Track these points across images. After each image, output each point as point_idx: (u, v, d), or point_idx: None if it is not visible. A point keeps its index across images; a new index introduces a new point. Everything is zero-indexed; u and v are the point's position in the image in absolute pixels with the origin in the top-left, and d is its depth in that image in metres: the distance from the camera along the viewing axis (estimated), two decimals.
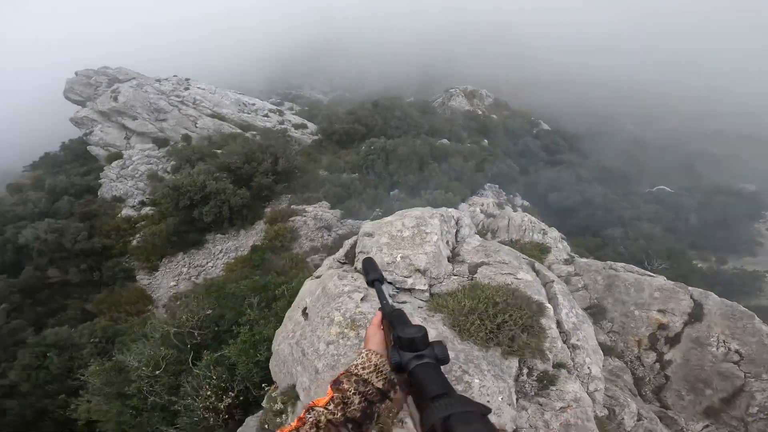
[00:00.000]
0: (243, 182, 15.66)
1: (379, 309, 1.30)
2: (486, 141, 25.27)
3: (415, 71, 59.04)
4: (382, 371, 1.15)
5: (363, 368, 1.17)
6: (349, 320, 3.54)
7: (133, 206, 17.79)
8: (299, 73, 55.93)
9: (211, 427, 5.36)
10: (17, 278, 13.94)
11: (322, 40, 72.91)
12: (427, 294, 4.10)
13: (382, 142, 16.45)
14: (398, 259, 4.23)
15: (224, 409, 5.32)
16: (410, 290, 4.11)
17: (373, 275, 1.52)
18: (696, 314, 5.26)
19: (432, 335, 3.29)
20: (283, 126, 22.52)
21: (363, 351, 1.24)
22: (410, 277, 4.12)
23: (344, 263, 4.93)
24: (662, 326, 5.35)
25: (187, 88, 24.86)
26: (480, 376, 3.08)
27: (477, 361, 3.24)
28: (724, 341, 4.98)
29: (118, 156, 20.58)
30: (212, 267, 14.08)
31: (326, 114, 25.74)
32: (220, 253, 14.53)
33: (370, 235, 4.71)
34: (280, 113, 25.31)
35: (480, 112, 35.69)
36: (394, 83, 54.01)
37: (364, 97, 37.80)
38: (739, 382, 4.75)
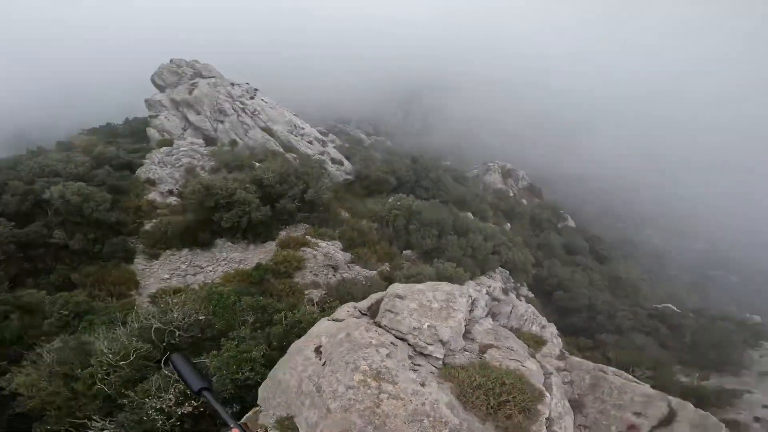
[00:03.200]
0: (269, 200, 16.19)
1: (235, 427, 1.34)
2: (509, 225, 25.50)
3: (459, 137, 60.82)
4: None
5: None
6: (374, 371, 3.89)
7: (161, 192, 18.47)
8: (348, 110, 58.53)
9: (155, 429, 5.29)
10: (22, 229, 13.53)
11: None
12: (441, 362, 4.53)
13: (410, 201, 16.91)
14: (425, 326, 4.74)
15: (178, 416, 5.28)
16: (426, 356, 4.55)
17: (197, 383, 1.41)
18: (668, 420, 5.54)
19: (444, 401, 3.72)
20: (322, 157, 23.48)
21: None
22: (432, 345, 4.59)
23: (365, 314, 5.32)
24: (631, 426, 5.56)
25: (252, 98, 26.51)
26: None
27: None
28: None
29: (168, 143, 21.75)
30: (211, 271, 14.09)
31: (364, 156, 26.73)
32: (224, 261, 14.68)
33: (401, 297, 5.13)
34: (323, 144, 26.46)
35: (512, 194, 36.24)
36: (434, 141, 55.82)
37: (406, 148, 39.18)
38: None
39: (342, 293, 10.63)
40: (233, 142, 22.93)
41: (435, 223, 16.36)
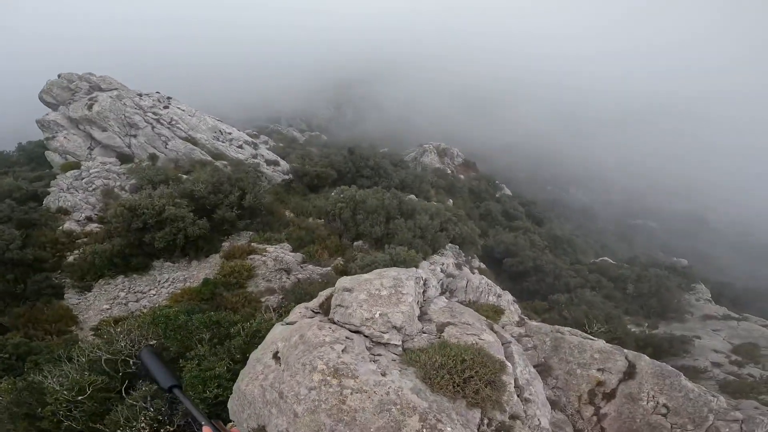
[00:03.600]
0: (204, 212, 15.24)
1: (208, 425, 1.34)
2: (451, 201, 26.25)
3: (394, 123, 61.50)
4: None
5: None
6: (332, 369, 3.81)
7: (78, 221, 16.81)
8: (277, 109, 56.82)
9: None
10: None
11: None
12: (400, 349, 4.50)
13: (353, 192, 16.70)
14: (377, 315, 4.66)
15: None
16: (385, 344, 4.49)
17: (167, 380, 1.39)
18: (630, 373, 5.84)
19: (408, 387, 3.69)
20: (255, 160, 22.46)
21: None
22: (387, 333, 4.54)
23: (318, 313, 5.19)
24: (600, 383, 5.87)
25: (166, 107, 24.50)
26: (451, 425, 3.47)
27: (448, 411, 3.63)
28: (653, 396, 5.55)
29: (75, 166, 19.57)
30: (155, 295, 13.30)
31: (300, 154, 25.98)
32: (167, 282, 13.85)
33: (349, 290, 5.04)
34: (255, 146, 25.32)
35: (449, 171, 37.29)
36: (369, 130, 55.94)
37: (341, 141, 38.77)
38: None
39: (299, 295, 10.30)
40: (153, 157, 21.17)
41: (381, 209, 16.34)
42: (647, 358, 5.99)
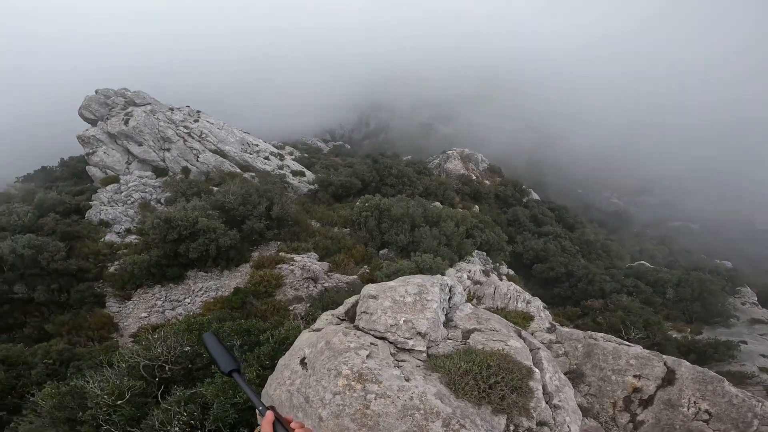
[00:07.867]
0: (235, 223, 15.72)
1: (268, 409, 1.40)
2: (477, 207, 25.91)
3: (415, 128, 61.57)
4: None
5: None
6: (356, 374, 3.83)
7: (118, 232, 17.67)
8: (302, 122, 58.10)
9: None
10: None
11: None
12: (425, 355, 4.46)
13: (377, 200, 16.80)
14: (401, 322, 4.65)
15: None
16: (409, 350, 4.48)
17: (227, 365, 1.46)
18: (669, 379, 5.64)
19: (431, 392, 3.67)
20: (282, 171, 22.99)
21: None
22: (411, 339, 4.52)
23: (343, 320, 5.24)
24: (636, 390, 5.69)
25: (196, 120, 25.55)
26: (475, 430, 3.43)
27: (472, 417, 3.60)
28: (695, 402, 5.36)
29: (114, 180, 20.65)
30: (189, 303, 13.91)
31: (325, 164, 26.38)
32: (200, 291, 14.41)
33: (374, 297, 5.07)
34: (281, 157, 25.94)
35: (474, 177, 36.85)
36: (392, 138, 56.19)
37: (365, 150, 39.12)
38: None
39: (325, 303, 10.42)
40: (186, 170, 22.06)
41: (406, 217, 16.34)
42: (688, 363, 5.79)
